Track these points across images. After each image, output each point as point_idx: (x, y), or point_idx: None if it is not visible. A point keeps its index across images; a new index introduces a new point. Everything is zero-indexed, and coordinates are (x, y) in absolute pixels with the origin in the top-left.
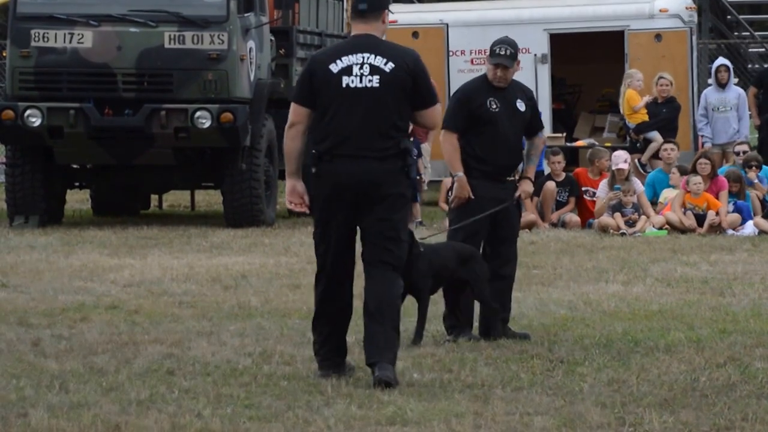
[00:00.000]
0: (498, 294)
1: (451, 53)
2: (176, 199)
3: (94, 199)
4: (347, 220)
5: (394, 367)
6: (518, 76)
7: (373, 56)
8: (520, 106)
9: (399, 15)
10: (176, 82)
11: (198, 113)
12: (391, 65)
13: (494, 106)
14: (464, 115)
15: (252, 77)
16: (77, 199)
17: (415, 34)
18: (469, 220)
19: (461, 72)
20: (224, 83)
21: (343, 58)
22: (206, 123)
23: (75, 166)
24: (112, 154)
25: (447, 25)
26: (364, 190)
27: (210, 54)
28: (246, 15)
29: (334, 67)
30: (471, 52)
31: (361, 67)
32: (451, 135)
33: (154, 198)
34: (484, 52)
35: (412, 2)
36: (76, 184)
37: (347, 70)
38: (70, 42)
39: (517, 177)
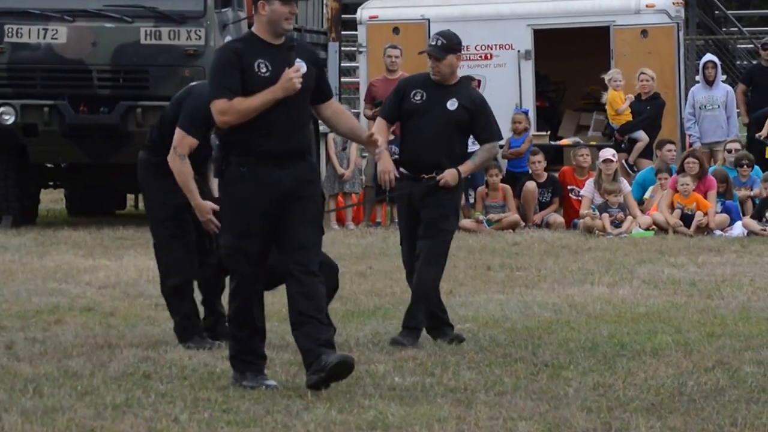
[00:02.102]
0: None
1: None
2: None
3: (68, 198)
4: None
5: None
6: (502, 73)
7: None
8: (451, 105)
9: (379, 10)
10: (152, 79)
11: None
12: None
13: (418, 99)
14: (395, 105)
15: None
16: (51, 199)
17: (395, 30)
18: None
19: None
20: (201, 80)
21: None
22: None
23: (49, 165)
24: (87, 152)
25: (428, 20)
26: None
27: (187, 50)
28: (223, 10)
29: None
30: None
31: None
32: (381, 121)
33: (130, 198)
34: (467, 49)
35: None
36: (51, 183)
37: None
38: (44, 38)
39: (434, 174)
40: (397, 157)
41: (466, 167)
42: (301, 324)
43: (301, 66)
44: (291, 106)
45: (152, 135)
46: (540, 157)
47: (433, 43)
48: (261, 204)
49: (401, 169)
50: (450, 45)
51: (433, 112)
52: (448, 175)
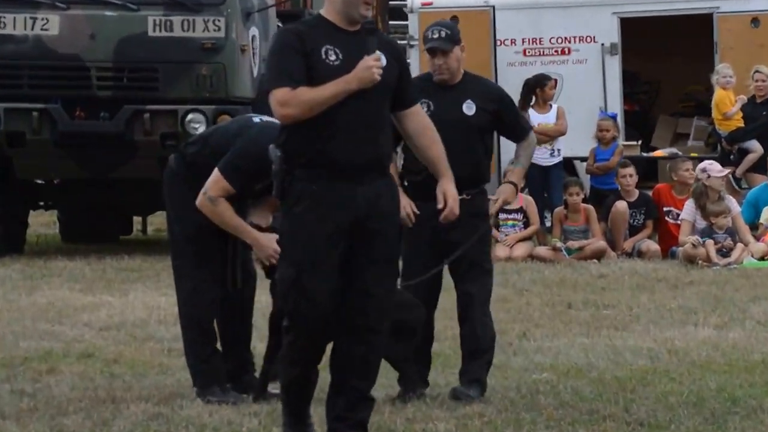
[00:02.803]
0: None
1: (498, 42)
2: (164, 222)
3: (62, 222)
4: None
5: None
6: (582, 71)
7: None
8: (468, 109)
9: None
10: (163, 78)
11: (190, 116)
12: None
13: (426, 110)
14: None
15: (255, 72)
16: (42, 223)
17: (454, 20)
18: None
19: (511, 66)
20: (221, 79)
21: None
22: (200, 127)
23: (39, 181)
24: (84, 166)
25: (493, 7)
26: None
27: (204, 43)
28: None
29: None
30: (523, 41)
31: None
32: None
33: (137, 221)
34: (539, 42)
35: None
36: (41, 203)
37: None
38: (32, 28)
39: (467, 196)
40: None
41: (517, 175)
42: (338, 391)
43: (382, 57)
44: (367, 104)
45: (195, 147)
46: (631, 170)
47: (435, 35)
48: (333, 229)
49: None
50: (454, 35)
51: (448, 122)
52: (507, 193)
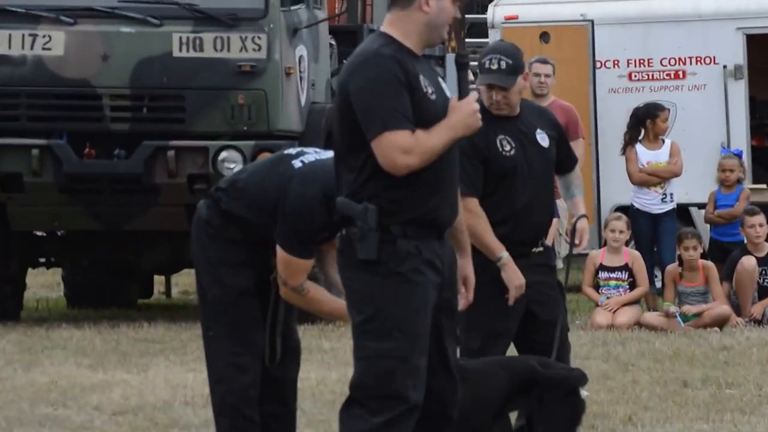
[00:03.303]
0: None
1: (598, 64)
2: (191, 283)
3: (68, 283)
4: None
5: None
6: (700, 98)
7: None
8: (543, 139)
9: (520, 8)
10: (190, 108)
11: (223, 154)
12: (337, 79)
13: (508, 147)
14: (477, 166)
15: (303, 99)
16: (43, 284)
17: (544, 36)
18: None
19: (614, 92)
20: (262, 109)
21: None
22: (235, 168)
23: (39, 233)
24: (94, 215)
25: (592, 22)
26: None
27: (241, 66)
28: (294, 8)
29: None
30: (629, 63)
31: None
32: (468, 201)
33: (158, 281)
34: (648, 64)
35: None
36: (42, 260)
37: None
38: (32, 48)
39: (541, 245)
40: None
41: (582, 205)
42: None
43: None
44: (451, 153)
45: (227, 195)
46: (761, 219)
47: (494, 66)
48: (432, 295)
49: None
50: (517, 64)
51: (529, 160)
52: (585, 230)
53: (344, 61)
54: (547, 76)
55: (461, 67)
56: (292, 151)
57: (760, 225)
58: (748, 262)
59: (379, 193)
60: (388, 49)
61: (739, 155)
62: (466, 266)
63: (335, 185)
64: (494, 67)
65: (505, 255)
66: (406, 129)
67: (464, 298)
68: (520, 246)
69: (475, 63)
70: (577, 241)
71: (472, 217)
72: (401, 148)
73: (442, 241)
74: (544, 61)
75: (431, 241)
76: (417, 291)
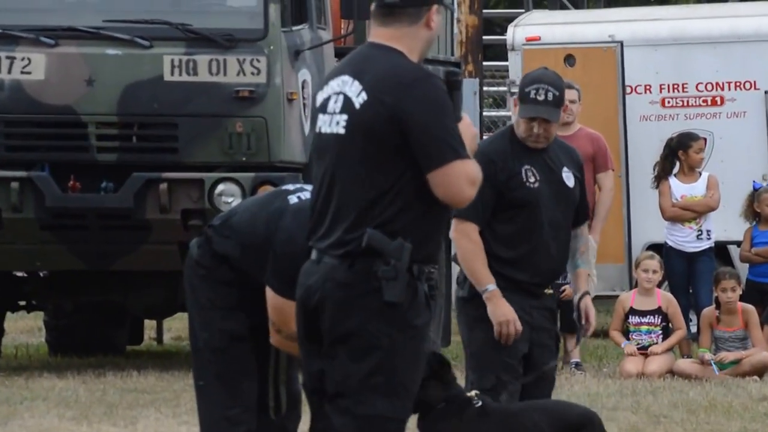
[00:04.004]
0: None
1: (628, 89)
2: (185, 327)
3: (50, 328)
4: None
5: None
6: (740, 126)
7: (351, 81)
8: (568, 179)
9: (543, 29)
10: (184, 137)
11: (220, 187)
12: (363, 97)
13: (533, 179)
14: (489, 194)
15: (307, 128)
16: (23, 329)
17: (569, 59)
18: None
19: (645, 120)
20: (262, 138)
21: (329, 83)
22: (233, 202)
23: (19, 274)
24: (79, 254)
25: (621, 43)
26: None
27: (239, 91)
28: (296, 29)
29: (318, 99)
30: (661, 88)
31: (335, 100)
32: (469, 226)
33: (148, 326)
34: (683, 89)
35: (565, 8)
36: (22, 303)
37: (324, 105)
38: (10, 71)
39: (551, 288)
40: None
41: (585, 282)
42: None
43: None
44: None
45: (219, 234)
46: None
47: (542, 97)
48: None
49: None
50: (563, 95)
51: (554, 193)
52: (590, 308)
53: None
54: (572, 102)
55: (453, 86)
56: (291, 186)
57: None
58: None
59: (411, 226)
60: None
61: (757, 188)
62: None
63: (343, 207)
64: (541, 98)
65: (491, 287)
66: (470, 158)
67: None
68: (533, 285)
69: (496, 88)
70: (583, 322)
71: (468, 242)
72: (470, 178)
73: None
74: (569, 86)
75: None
76: (424, 346)
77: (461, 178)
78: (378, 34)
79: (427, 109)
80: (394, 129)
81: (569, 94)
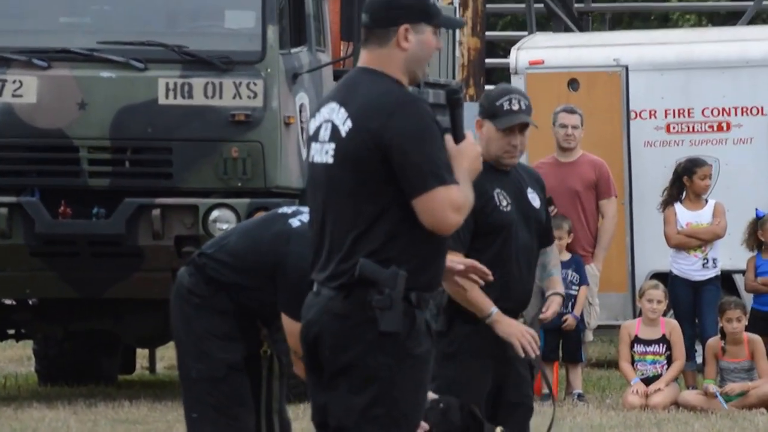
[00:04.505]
0: None
1: (633, 114)
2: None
3: (40, 357)
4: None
5: None
6: (747, 153)
7: (338, 108)
8: (534, 200)
9: (546, 52)
10: (178, 162)
11: (215, 213)
12: (348, 124)
13: (505, 203)
14: (469, 221)
15: (304, 153)
16: (12, 358)
17: (573, 83)
18: None
19: (650, 146)
20: (258, 163)
21: (321, 111)
22: (228, 228)
23: (8, 301)
24: (70, 281)
25: (626, 67)
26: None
27: (235, 115)
28: (294, 51)
29: (311, 127)
30: (667, 113)
31: (325, 128)
32: (455, 256)
33: (140, 355)
34: (689, 114)
35: (570, 31)
36: (10, 332)
37: (315, 133)
38: (1, 94)
39: (522, 316)
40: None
41: (558, 284)
42: None
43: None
44: None
45: (215, 262)
46: None
47: (516, 107)
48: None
49: None
50: (530, 106)
51: (524, 217)
52: (556, 304)
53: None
54: (574, 127)
55: (454, 104)
56: (288, 209)
57: None
58: None
59: (405, 254)
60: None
61: (761, 216)
62: None
63: (336, 238)
64: (516, 107)
65: (495, 310)
66: (456, 184)
67: None
68: (507, 312)
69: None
70: (544, 309)
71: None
72: (453, 205)
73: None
74: (571, 111)
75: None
76: (427, 375)
77: (444, 205)
78: (362, 56)
79: (409, 135)
80: (379, 156)
81: (572, 119)
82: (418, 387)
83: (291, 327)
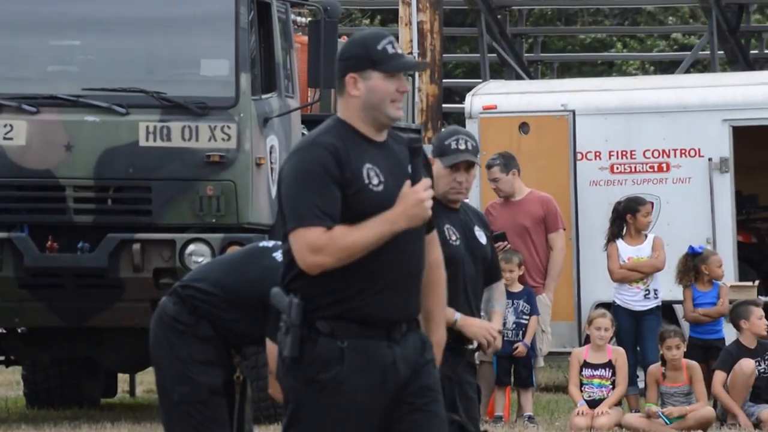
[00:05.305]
0: None
1: (579, 156)
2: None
3: (28, 381)
4: None
5: None
6: (685, 192)
7: None
8: (480, 236)
9: (499, 98)
10: (157, 200)
11: (191, 247)
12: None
13: (454, 237)
14: None
15: (274, 192)
16: (2, 382)
17: (524, 127)
18: None
19: (595, 185)
20: (231, 201)
21: None
22: (203, 261)
23: None
24: (56, 311)
25: (573, 112)
26: None
27: (209, 156)
28: (265, 97)
29: None
30: (611, 155)
31: None
32: None
33: (121, 380)
34: (631, 156)
35: (521, 78)
36: (1, 358)
37: None
38: None
39: (473, 346)
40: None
41: (498, 318)
42: None
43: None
44: (410, 246)
45: (201, 293)
46: (761, 312)
47: (462, 146)
48: (373, 402)
49: None
50: (477, 146)
51: (471, 252)
52: (498, 340)
53: None
54: (495, 180)
55: (414, 152)
56: (267, 244)
57: (760, 318)
58: (747, 364)
59: (303, 286)
60: (329, 136)
61: (699, 252)
62: (432, 332)
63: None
64: (462, 147)
65: (458, 315)
66: (319, 226)
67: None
68: (457, 341)
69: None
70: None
71: None
72: (310, 246)
73: (397, 339)
74: (488, 166)
75: (373, 341)
76: (340, 401)
77: (300, 245)
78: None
79: (288, 177)
80: (280, 195)
81: (491, 174)
82: (330, 412)
83: (274, 352)
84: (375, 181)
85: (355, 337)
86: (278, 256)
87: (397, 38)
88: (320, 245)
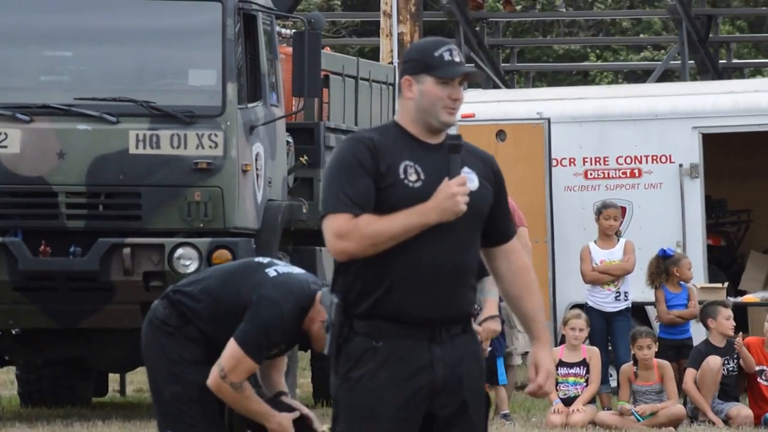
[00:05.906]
0: None
1: (554, 162)
2: (146, 380)
3: (22, 381)
4: None
5: None
6: (656, 197)
7: None
8: (470, 181)
9: (477, 107)
10: (146, 206)
11: (179, 251)
12: None
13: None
14: None
15: (260, 197)
16: None
17: (500, 134)
18: None
19: (570, 190)
20: (218, 206)
21: None
22: (191, 265)
23: None
24: (49, 313)
25: (548, 120)
26: None
27: (197, 163)
28: (251, 106)
29: None
30: (585, 161)
31: None
32: None
33: (112, 379)
34: (604, 162)
35: (497, 87)
36: None
37: None
38: None
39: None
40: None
41: (493, 306)
42: None
43: (470, 178)
44: (450, 240)
45: (194, 301)
46: (729, 312)
47: (456, 58)
48: (406, 401)
49: None
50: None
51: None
52: (495, 325)
53: (302, 158)
54: None
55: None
56: (263, 260)
57: (728, 318)
58: (714, 361)
59: (342, 285)
60: (373, 132)
61: (670, 255)
62: (538, 352)
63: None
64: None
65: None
66: (346, 213)
67: (533, 383)
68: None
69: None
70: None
71: None
72: (336, 231)
73: (440, 341)
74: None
75: (411, 341)
76: (368, 399)
77: (328, 231)
78: None
79: (327, 169)
80: None
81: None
82: (356, 408)
83: (236, 352)
84: (412, 177)
85: (392, 337)
86: (271, 272)
87: (378, 49)
88: (346, 231)
